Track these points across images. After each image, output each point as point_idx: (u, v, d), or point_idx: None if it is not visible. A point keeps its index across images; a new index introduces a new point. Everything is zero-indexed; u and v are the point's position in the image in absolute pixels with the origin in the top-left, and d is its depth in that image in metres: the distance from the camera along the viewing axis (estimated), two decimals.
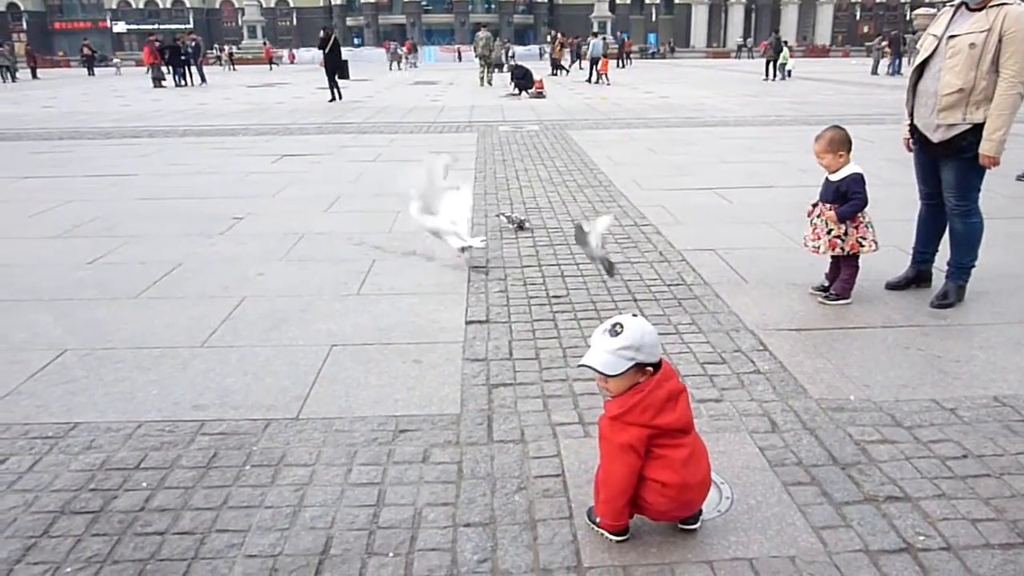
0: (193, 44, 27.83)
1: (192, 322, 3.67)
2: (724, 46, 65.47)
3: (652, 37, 65.84)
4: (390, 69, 38.45)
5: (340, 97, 17.64)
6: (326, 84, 17.95)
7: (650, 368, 1.96)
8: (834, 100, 16.51)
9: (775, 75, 25.02)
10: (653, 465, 1.96)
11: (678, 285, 4.10)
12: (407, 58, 42.65)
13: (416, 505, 2.20)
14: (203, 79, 27.09)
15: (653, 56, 57.40)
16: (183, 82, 25.63)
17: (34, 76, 34.36)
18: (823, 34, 68.06)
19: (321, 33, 18.50)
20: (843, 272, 3.80)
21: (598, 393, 2.83)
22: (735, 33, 66.24)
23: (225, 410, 2.77)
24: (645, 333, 1.95)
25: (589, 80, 24.34)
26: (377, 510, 2.17)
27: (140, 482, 2.32)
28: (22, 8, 71.20)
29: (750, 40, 57.84)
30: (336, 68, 17.62)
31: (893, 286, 3.98)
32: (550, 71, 28.89)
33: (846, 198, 3.69)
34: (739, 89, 20.76)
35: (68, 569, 1.95)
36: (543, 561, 1.96)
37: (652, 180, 7.15)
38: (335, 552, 2.00)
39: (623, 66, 36.14)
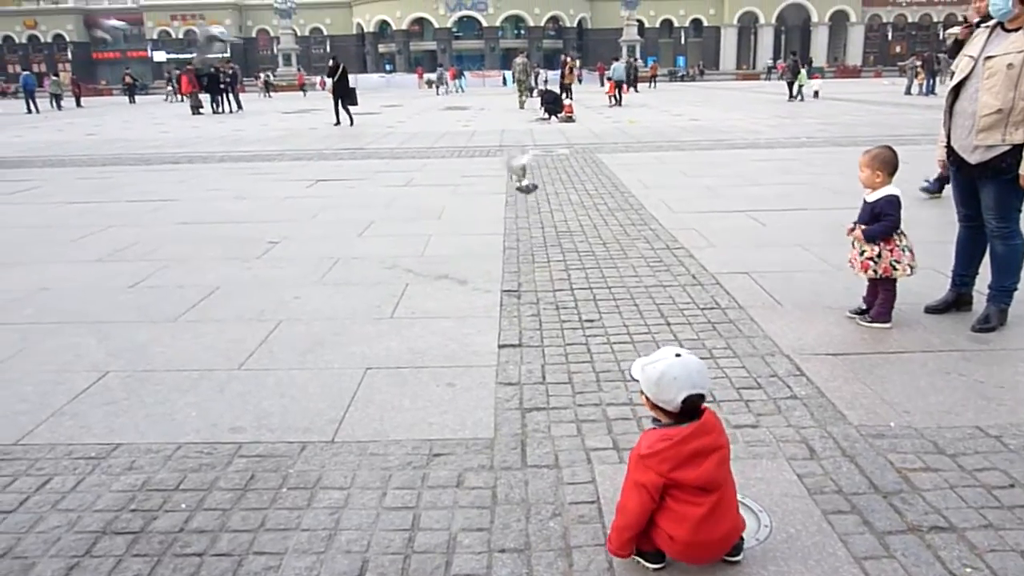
0: (231, 72, 28.48)
1: (230, 345, 3.72)
2: (753, 68, 65.29)
3: (681, 60, 65.92)
4: (437, 94, 39.96)
5: (350, 122, 18.42)
6: (356, 111, 18.40)
7: (659, 408, 1.95)
8: (867, 120, 16.36)
9: (798, 96, 25.24)
10: (666, 515, 1.93)
11: (712, 308, 4.07)
12: (451, 83, 44.16)
13: (451, 530, 2.19)
14: (239, 106, 27.67)
15: (682, 79, 57.43)
16: (220, 109, 26.19)
17: (78, 104, 35.43)
18: (854, 55, 67.55)
19: (331, 62, 19.51)
20: (880, 295, 3.75)
21: (632, 418, 2.83)
22: (765, 55, 66.05)
23: (262, 432, 2.81)
24: (651, 364, 1.94)
25: (611, 104, 24.71)
26: (412, 534, 2.18)
27: (179, 503, 2.35)
28: (67, 39, 73.57)
29: (779, 61, 57.66)
30: (343, 94, 18.66)
31: (932, 310, 3.91)
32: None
33: (879, 219, 3.66)
34: (769, 110, 20.67)
35: None
36: None
37: (684, 203, 7.13)
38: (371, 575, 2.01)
39: (650, 88, 36.62)
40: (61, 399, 3.14)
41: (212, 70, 27.23)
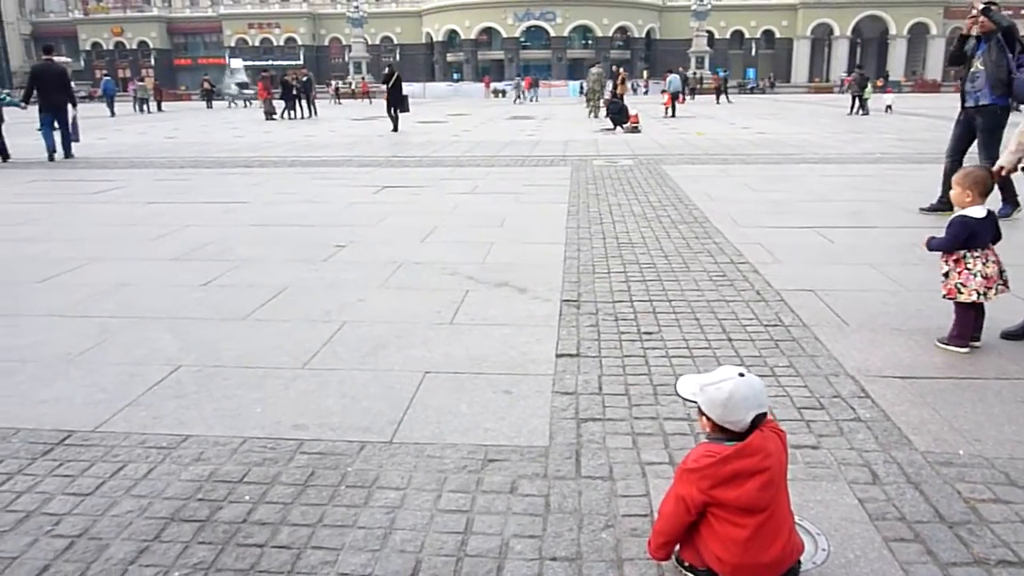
0: (305, 79, 29.29)
1: (295, 344, 3.84)
2: (827, 81, 63.77)
3: (751, 72, 64.86)
4: (514, 103, 41.71)
5: (395, 128, 19.26)
6: (423, 119, 18.75)
7: (708, 422, 1.94)
8: (944, 137, 15.78)
9: (860, 111, 25.22)
10: (711, 535, 1.92)
11: (775, 326, 4.00)
12: (526, 93, 45.59)
13: (503, 535, 2.22)
14: (314, 112, 28.42)
15: (752, 91, 56.48)
16: (291, 115, 26.94)
17: (159, 108, 36.99)
18: (933, 68, 65.36)
19: (386, 70, 20.90)
20: (954, 318, 3.64)
21: (689, 434, 2.80)
22: (839, 67, 64.54)
23: (323, 431, 2.88)
24: (716, 384, 1.91)
25: (665, 115, 24.84)
26: (465, 537, 2.21)
27: (243, 495, 2.44)
28: (151, 46, 76.82)
29: (845, 75, 56.12)
30: (396, 102, 19.65)
31: (1009, 335, 3.76)
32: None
33: None
34: (842, 125, 20.16)
35: (176, 573, 2.06)
36: None
37: (749, 217, 7.02)
38: None
39: (718, 103, 36.55)
40: (136, 390, 3.29)
41: (286, 78, 28.09)
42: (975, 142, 7.01)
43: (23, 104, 17.42)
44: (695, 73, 49.92)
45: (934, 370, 3.40)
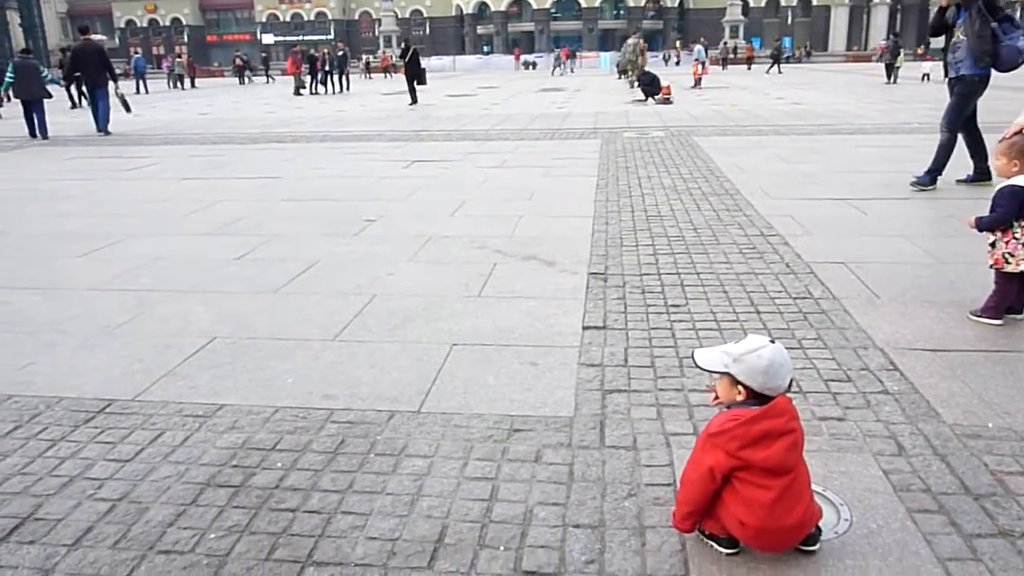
0: (341, 53, 29.29)
1: (326, 317, 3.90)
2: (865, 49, 62.10)
3: (787, 41, 63.38)
4: (552, 74, 41.33)
5: (413, 101, 19.72)
6: (453, 92, 18.73)
7: (743, 389, 1.94)
8: (985, 107, 15.33)
9: (895, 78, 24.95)
10: (735, 500, 1.93)
11: (804, 299, 3.97)
12: (565, 63, 44.94)
13: (527, 503, 2.26)
14: (346, 87, 28.43)
15: (788, 60, 55.21)
16: (318, 91, 26.97)
17: (193, 85, 37.32)
18: None
19: (403, 44, 21.62)
20: (993, 289, 3.57)
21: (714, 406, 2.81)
22: (878, 35, 62.67)
23: (353, 400, 2.95)
24: (754, 353, 1.92)
25: (693, 86, 24.66)
26: (490, 504, 2.26)
27: (275, 462, 2.51)
28: (184, 23, 77.38)
29: (881, 43, 54.44)
30: (415, 75, 20.18)
31: None
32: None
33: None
34: (879, 95, 19.68)
35: (212, 536, 2.14)
36: (650, 567, 1.98)
37: (781, 189, 6.93)
38: (449, 541, 2.10)
39: (748, 71, 36.39)
40: (173, 361, 3.38)
41: (313, 52, 28.18)
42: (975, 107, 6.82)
43: (63, 83, 17.91)
44: (726, 43, 48.91)
45: (965, 343, 3.35)
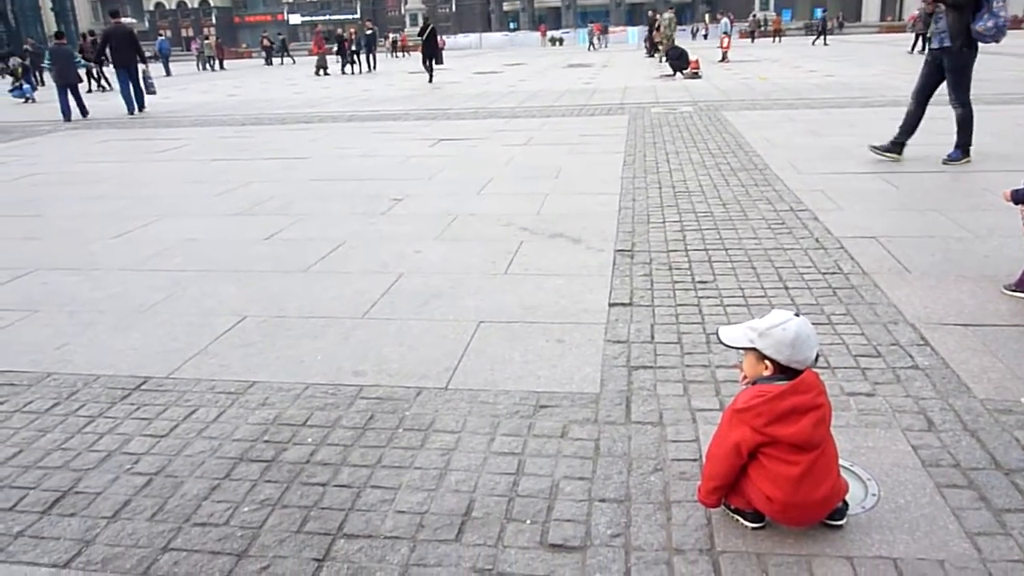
0: (369, 32, 29.21)
1: (354, 295, 3.95)
2: (900, 19, 60.42)
3: (818, 12, 61.92)
4: (588, 50, 40.57)
5: (430, 79, 20.14)
6: (479, 69, 18.69)
7: (769, 364, 1.93)
8: (990, 76, 14.90)
9: (924, 48, 23.96)
10: (761, 475, 1.93)
11: (834, 274, 3.92)
12: (599, 38, 44.29)
13: (554, 477, 2.28)
14: (373, 67, 28.40)
15: (820, 33, 53.97)
16: (345, 71, 26.99)
17: (221, 67, 37.53)
18: (1020, 3, 61.22)
19: (420, 22, 22.11)
20: None
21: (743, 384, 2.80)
22: (913, 4, 60.95)
23: (382, 377, 2.99)
24: (779, 326, 1.92)
25: (723, 59, 23.93)
26: (516, 479, 2.28)
27: (306, 438, 2.56)
28: (212, 4, 77.75)
29: (913, 11, 52.75)
30: (431, 54, 20.66)
31: None
32: (647, 55, 29.28)
33: None
34: (913, 66, 19.14)
35: (245, 509, 2.20)
36: (676, 541, 1.99)
37: (811, 163, 6.83)
38: (476, 515, 2.13)
39: (774, 43, 35.72)
40: (205, 339, 3.45)
41: (340, 32, 28.19)
42: (943, 84, 6.61)
43: (92, 64, 18.34)
44: (755, 16, 47.99)
45: (998, 318, 3.30)
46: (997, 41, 6.23)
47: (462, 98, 15.41)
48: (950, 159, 6.56)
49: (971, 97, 6.54)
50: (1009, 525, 1.97)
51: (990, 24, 6.05)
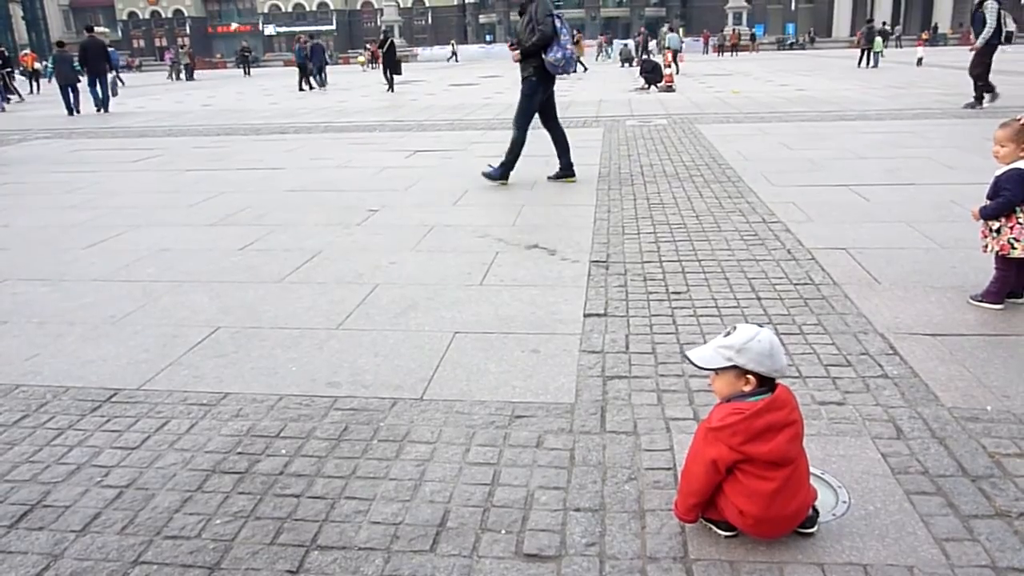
0: (310, 46, 25.77)
1: (329, 306, 3.93)
2: None
3: (791, 27, 63.01)
4: (596, 60, 40.64)
5: (390, 88, 21.79)
6: (455, 82, 18.83)
7: (751, 377, 1.94)
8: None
9: (868, 63, 26.12)
10: (736, 489, 1.94)
11: (805, 284, 3.98)
12: (605, 49, 44.08)
13: (529, 487, 2.29)
14: (322, 84, 25.72)
15: (791, 47, 54.92)
16: (303, 87, 24.66)
17: (190, 77, 36.87)
18: None
19: (382, 36, 24.13)
20: (994, 274, 3.57)
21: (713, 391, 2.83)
22: (884, 19, 62.22)
23: (356, 388, 2.98)
24: (754, 339, 1.92)
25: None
26: (492, 489, 2.28)
27: (280, 449, 2.54)
28: (186, 14, 77.21)
29: (898, 28, 53.86)
30: (390, 65, 22.22)
31: None
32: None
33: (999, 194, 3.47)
34: (882, 79, 19.58)
35: (218, 521, 2.17)
36: (650, 550, 2.00)
37: (784, 176, 6.93)
38: (451, 525, 2.12)
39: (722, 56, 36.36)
40: (178, 350, 3.41)
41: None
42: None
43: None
44: (733, 29, 48.75)
45: (966, 327, 3.36)
46: (568, 72, 7.05)
47: (438, 110, 15.43)
48: (491, 177, 7.08)
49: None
50: (976, 531, 2.01)
51: (559, 55, 6.75)
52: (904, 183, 6.49)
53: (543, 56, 6.75)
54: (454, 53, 51.46)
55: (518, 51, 7.01)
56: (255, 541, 2.08)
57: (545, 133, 7.31)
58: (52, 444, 2.63)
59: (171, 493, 2.32)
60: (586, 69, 28.99)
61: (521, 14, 7.06)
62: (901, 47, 43.99)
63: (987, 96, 11.65)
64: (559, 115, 7.49)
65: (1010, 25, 11.16)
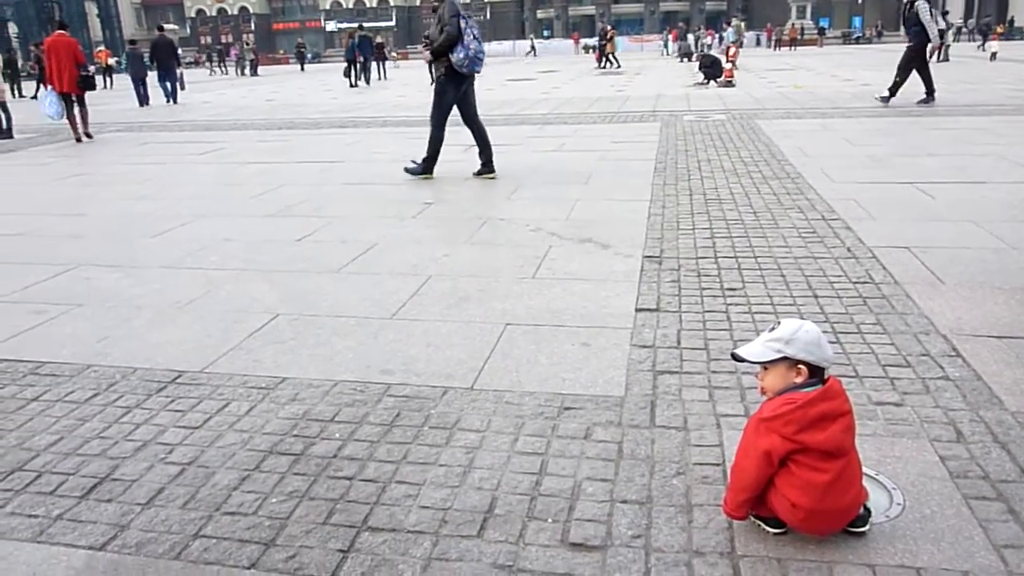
0: (359, 39, 26.23)
1: (384, 296, 4.01)
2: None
3: (857, 20, 61.17)
4: (663, 55, 40.74)
5: (355, 84, 23.63)
6: (513, 76, 18.83)
7: (803, 368, 1.93)
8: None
9: (938, 57, 25.34)
10: (789, 482, 1.92)
11: (865, 283, 3.89)
12: (672, 45, 42.94)
13: (576, 478, 2.30)
14: (372, 78, 26.22)
15: (857, 41, 53.33)
16: (354, 83, 24.72)
17: (255, 73, 37.94)
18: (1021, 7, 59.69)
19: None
20: None
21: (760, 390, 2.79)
22: (955, 12, 59.84)
23: (409, 376, 3.03)
24: (801, 329, 1.92)
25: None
26: (539, 478, 2.31)
27: (334, 433, 2.61)
28: (251, 11, 79.06)
29: (971, 21, 51.74)
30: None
31: None
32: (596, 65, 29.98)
33: None
34: (952, 74, 18.87)
35: (273, 500, 2.25)
36: (696, 544, 2.00)
37: (845, 172, 6.76)
38: (499, 512, 2.15)
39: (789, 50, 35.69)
40: (239, 336, 3.53)
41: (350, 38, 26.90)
42: None
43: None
44: (793, 24, 47.67)
45: None
46: (473, 71, 7.15)
47: (494, 104, 15.48)
48: (413, 172, 7.41)
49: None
50: None
51: (462, 56, 6.86)
52: (973, 181, 6.26)
53: (449, 56, 6.87)
54: (532, 48, 51.46)
55: (428, 51, 7.21)
56: (309, 520, 2.15)
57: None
58: (120, 421, 2.76)
59: (230, 471, 2.41)
60: (619, 66, 28.67)
61: (435, 12, 7.19)
62: (973, 40, 42.28)
63: None
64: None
65: None
